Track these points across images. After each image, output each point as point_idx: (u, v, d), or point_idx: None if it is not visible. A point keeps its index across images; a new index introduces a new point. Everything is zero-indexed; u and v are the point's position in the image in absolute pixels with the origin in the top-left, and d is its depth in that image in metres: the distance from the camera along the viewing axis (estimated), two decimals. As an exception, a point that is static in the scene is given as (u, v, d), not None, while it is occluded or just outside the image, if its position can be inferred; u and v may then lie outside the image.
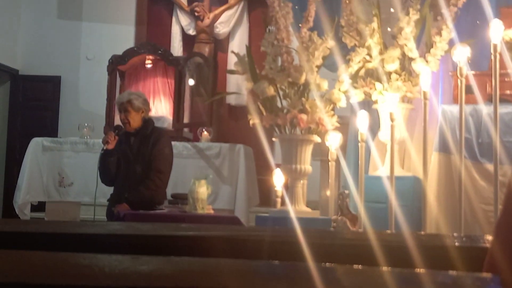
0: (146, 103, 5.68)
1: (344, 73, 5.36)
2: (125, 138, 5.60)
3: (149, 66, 8.74)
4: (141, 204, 5.32)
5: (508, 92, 5.39)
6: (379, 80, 5.43)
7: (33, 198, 7.32)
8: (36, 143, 7.39)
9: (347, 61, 5.44)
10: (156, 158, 5.48)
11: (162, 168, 5.51)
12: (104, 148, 5.50)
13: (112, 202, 5.57)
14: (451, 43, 5.29)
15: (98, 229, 1.94)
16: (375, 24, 5.50)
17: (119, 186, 5.57)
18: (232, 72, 6.29)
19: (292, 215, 4.94)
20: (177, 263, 1.30)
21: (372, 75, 5.52)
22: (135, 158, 5.51)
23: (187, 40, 10.50)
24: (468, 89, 5.04)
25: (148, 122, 5.64)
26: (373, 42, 5.45)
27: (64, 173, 7.27)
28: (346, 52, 5.58)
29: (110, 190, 5.86)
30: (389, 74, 5.44)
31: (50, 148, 7.37)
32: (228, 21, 10.29)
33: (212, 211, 5.34)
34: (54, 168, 7.30)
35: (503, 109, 5.03)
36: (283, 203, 5.35)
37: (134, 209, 5.25)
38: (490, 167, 5.18)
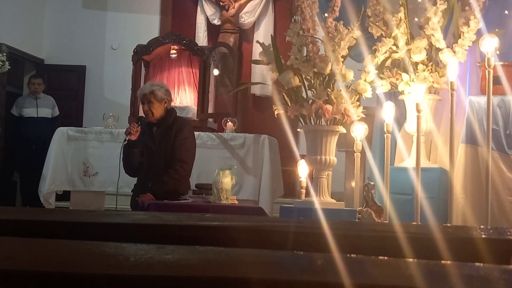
0: (168, 93, 5.69)
1: (370, 64, 5.33)
2: (147, 128, 5.62)
3: (173, 56, 8.74)
4: (165, 194, 5.34)
5: (536, 83, 5.32)
6: (405, 70, 5.39)
7: (58, 187, 7.37)
8: (61, 132, 7.43)
9: (373, 52, 5.41)
10: (179, 148, 5.49)
11: (185, 158, 5.52)
12: (127, 139, 5.52)
13: (136, 193, 5.59)
14: (479, 34, 5.23)
15: (123, 218, 1.94)
16: (401, 14, 5.45)
17: (143, 176, 5.60)
18: (257, 62, 6.28)
19: (317, 206, 4.93)
20: (202, 253, 1.30)
21: (398, 66, 5.48)
22: (158, 148, 5.53)
23: (212, 30, 10.50)
24: (496, 80, 4.99)
25: (170, 112, 5.65)
26: (400, 32, 5.41)
27: (88, 162, 7.31)
28: (372, 42, 5.54)
29: (133, 179, 5.88)
30: (415, 64, 5.39)
31: (75, 137, 7.40)
32: (253, 11, 10.27)
33: (236, 202, 5.35)
34: (79, 157, 7.33)
35: (531, 101, 4.98)
36: (307, 194, 5.34)
37: (158, 199, 5.27)
38: (517, 159, 5.13)
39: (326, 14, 5.56)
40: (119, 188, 5.72)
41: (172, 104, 6.15)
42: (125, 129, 5.68)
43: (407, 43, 5.43)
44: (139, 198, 5.41)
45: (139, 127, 5.55)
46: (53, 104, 9.85)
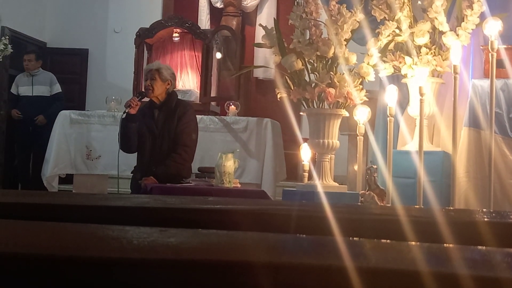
0: (173, 76, 5.69)
1: (373, 47, 5.32)
2: (148, 111, 5.61)
3: (176, 39, 8.72)
4: (168, 177, 5.35)
5: (540, 66, 5.30)
6: (408, 54, 5.38)
7: (61, 171, 7.38)
8: (64, 116, 7.43)
9: (376, 35, 5.39)
10: (182, 133, 5.49)
11: (188, 142, 5.53)
12: (126, 111, 5.50)
13: (137, 175, 5.59)
14: (482, 17, 5.21)
15: (126, 202, 1.94)
16: (405, -3, 5.43)
17: (146, 160, 5.59)
18: (259, 45, 6.26)
19: (320, 189, 4.93)
20: (204, 236, 1.30)
21: (401, 49, 5.47)
22: (161, 132, 5.52)
23: (215, 13, 10.48)
24: (499, 63, 4.97)
25: (172, 95, 5.64)
26: (403, 15, 5.39)
27: (91, 146, 7.31)
28: (376, 25, 5.53)
29: (135, 163, 5.88)
30: (419, 48, 5.38)
31: (77, 121, 7.41)
32: (256, -6, 10.24)
33: (239, 185, 5.35)
34: (82, 141, 7.34)
35: (534, 84, 4.97)
36: (310, 177, 5.34)
37: (161, 183, 5.28)
38: (520, 142, 5.12)
39: (329, -3, 5.54)
40: (121, 172, 5.72)
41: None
42: (125, 102, 5.66)
43: (410, 26, 5.41)
44: (141, 182, 5.41)
45: (139, 101, 5.54)
46: (51, 80, 9.22)
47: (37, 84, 9.09)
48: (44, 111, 8.89)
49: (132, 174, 5.74)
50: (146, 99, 5.65)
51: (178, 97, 5.82)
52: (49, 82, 9.17)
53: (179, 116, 5.52)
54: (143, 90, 5.79)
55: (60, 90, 9.24)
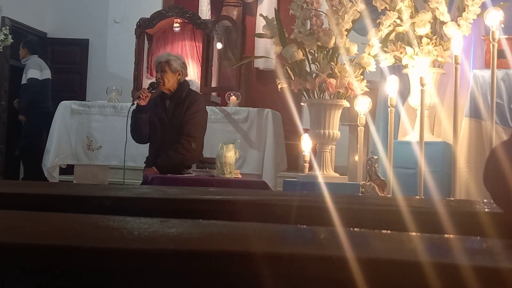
0: (184, 66, 5.67)
1: (374, 37, 5.30)
2: (160, 101, 5.60)
3: (177, 29, 8.71)
4: (170, 168, 5.33)
5: (541, 56, 5.29)
6: (409, 44, 5.37)
7: (62, 161, 7.38)
8: (65, 106, 7.43)
9: (377, 25, 5.38)
10: (188, 122, 5.47)
11: (193, 132, 5.49)
12: (136, 102, 5.49)
13: (148, 165, 5.58)
14: (483, 7, 5.19)
15: (127, 192, 1.94)
16: (406, -13, 5.42)
17: (155, 150, 5.58)
18: (260, 35, 6.26)
19: (320, 180, 4.93)
20: (205, 227, 1.30)
21: (402, 39, 5.46)
22: (171, 122, 5.51)
23: (215, 3, 10.46)
24: (501, 54, 4.96)
25: (183, 85, 5.63)
26: (404, 5, 5.38)
27: (92, 136, 7.32)
28: (377, 15, 5.51)
29: (138, 153, 5.88)
30: (420, 38, 5.37)
31: (78, 111, 7.41)
32: (256, -16, 10.22)
33: (240, 176, 5.35)
34: (83, 131, 7.34)
35: (536, 74, 4.96)
36: (311, 168, 5.34)
37: (163, 173, 5.27)
38: (521, 133, 5.12)
39: (330, -13, 5.53)
40: (123, 162, 5.73)
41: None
42: (129, 102, 5.66)
43: (411, 17, 5.39)
44: (143, 171, 5.41)
45: (149, 93, 5.53)
46: (39, 65, 9.18)
47: (28, 69, 9.06)
48: (36, 94, 8.96)
49: (145, 164, 5.73)
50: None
51: (190, 87, 5.81)
52: (38, 66, 9.17)
53: (188, 107, 5.51)
54: (154, 81, 5.77)
55: (50, 77, 9.24)
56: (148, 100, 5.50)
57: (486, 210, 1.75)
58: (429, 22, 5.35)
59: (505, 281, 0.93)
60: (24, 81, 9.07)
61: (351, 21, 5.28)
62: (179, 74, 5.57)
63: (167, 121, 5.51)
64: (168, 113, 5.53)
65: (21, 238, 1.10)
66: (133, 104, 5.54)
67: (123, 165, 5.70)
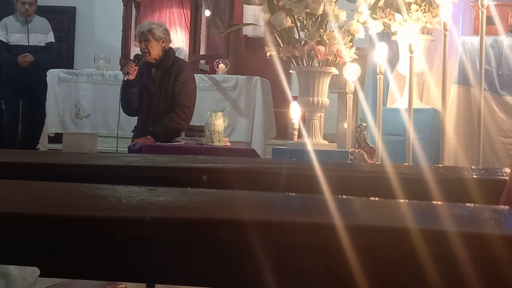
0: (167, 32, 5.64)
1: (363, 4, 5.28)
2: (146, 69, 5.58)
3: (164, -4, 8.64)
4: (166, 136, 5.35)
5: (530, 23, 5.28)
6: (398, 11, 5.34)
7: (50, 129, 7.36)
8: (52, 74, 7.38)
9: (366, -8, 5.35)
10: (179, 92, 5.47)
11: (186, 101, 5.51)
12: (125, 79, 5.48)
13: (137, 134, 5.58)
14: (473, -27, 5.17)
15: (115, 160, 1.94)
16: (395, -47, 5.38)
17: (143, 118, 5.57)
18: (249, 3, 6.21)
19: (309, 147, 4.94)
20: (193, 195, 1.30)
21: (391, 6, 5.43)
22: (158, 91, 5.50)
23: (204, -30, 10.35)
24: (489, 20, 4.95)
25: (169, 52, 5.60)
26: (393, -29, 5.34)
27: (80, 105, 7.28)
28: (365, -18, 5.48)
29: (128, 122, 5.87)
30: (408, 4, 5.34)
31: (66, 79, 7.36)
32: (245, -50, 10.12)
33: (229, 144, 5.35)
34: (71, 99, 7.31)
35: (524, 41, 4.96)
36: (300, 135, 5.35)
37: (159, 142, 5.28)
38: (510, 99, 5.13)
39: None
40: (113, 130, 5.72)
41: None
42: (117, 71, 5.64)
43: (401, -17, 5.36)
44: (135, 140, 5.41)
45: (137, 66, 5.51)
46: (48, 28, 8.05)
47: (34, 32, 7.91)
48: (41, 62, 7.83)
49: (132, 133, 5.72)
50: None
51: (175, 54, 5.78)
52: (46, 29, 8.06)
53: (176, 75, 5.49)
54: (138, 53, 5.74)
55: (54, 40, 8.15)
56: (136, 72, 5.48)
57: (474, 176, 1.75)
58: (418, -12, 5.32)
59: (492, 247, 0.93)
60: (42, 43, 8.01)
61: (340, -12, 5.25)
62: (163, 42, 5.54)
63: (154, 90, 5.49)
64: (155, 82, 5.51)
65: (8, 207, 1.09)
66: (123, 81, 5.52)
67: (111, 134, 5.69)
